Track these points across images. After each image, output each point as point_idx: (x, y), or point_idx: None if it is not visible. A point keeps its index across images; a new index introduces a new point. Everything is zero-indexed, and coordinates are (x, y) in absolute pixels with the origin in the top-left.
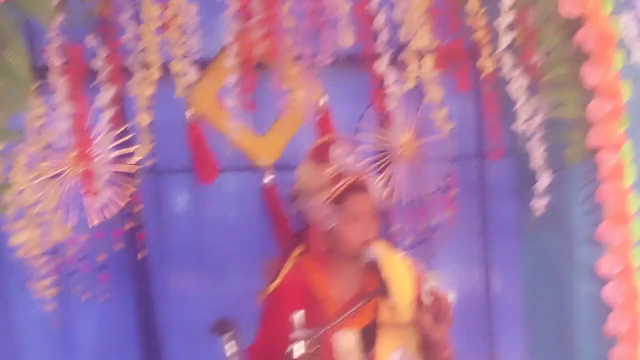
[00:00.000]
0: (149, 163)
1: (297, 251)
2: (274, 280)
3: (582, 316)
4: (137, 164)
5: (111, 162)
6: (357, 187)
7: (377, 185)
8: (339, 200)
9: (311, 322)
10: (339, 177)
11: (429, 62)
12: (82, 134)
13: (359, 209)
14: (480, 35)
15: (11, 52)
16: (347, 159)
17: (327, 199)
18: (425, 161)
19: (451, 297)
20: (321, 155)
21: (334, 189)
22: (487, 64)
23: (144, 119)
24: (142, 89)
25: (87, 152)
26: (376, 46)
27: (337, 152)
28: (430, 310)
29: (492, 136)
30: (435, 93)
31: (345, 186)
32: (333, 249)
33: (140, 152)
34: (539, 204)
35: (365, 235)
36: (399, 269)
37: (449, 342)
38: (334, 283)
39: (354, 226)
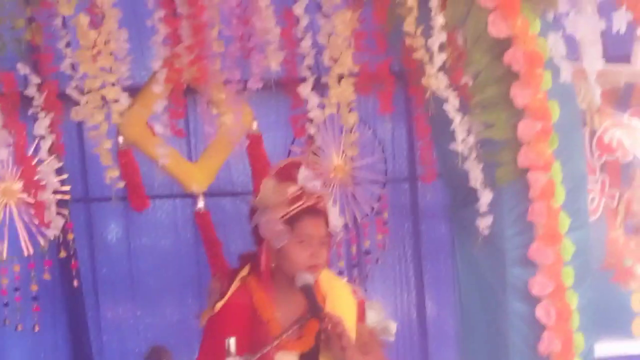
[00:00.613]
0: (120, 185)
1: (244, 271)
2: (218, 301)
3: (516, 335)
4: (68, 192)
5: (49, 189)
6: (314, 211)
7: (333, 211)
8: (293, 220)
9: (255, 342)
10: (298, 198)
11: (348, 85)
12: (24, 162)
13: (310, 232)
14: (419, 54)
15: None
16: (312, 182)
17: (282, 217)
18: (356, 184)
19: (392, 327)
20: (286, 174)
21: (290, 208)
22: (433, 82)
23: (105, 143)
24: (93, 114)
25: (25, 179)
26: (300, 70)
27: (304, 173)
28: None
29: (424, 158)
30: (349, 117)
31: (301, 207)
32: (279, 268)
33: (108, 176)
34: (484, 223)
35: (312, 260)
36: (341, 295)
37: None
38: (279, 304)
39: (302, 249)
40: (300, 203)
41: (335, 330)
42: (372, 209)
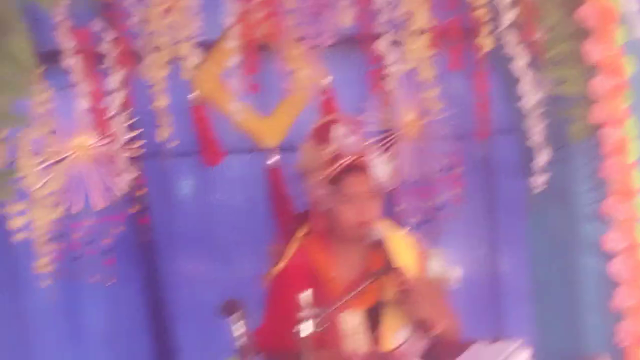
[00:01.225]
0: (172, 143)
1: (302, 232)
2: (278, 262)
3: (588, 292)
4: (141, 147)
5: (121, 145)
6: (355, 168)
7: (379, 165)
8: (335, 181)
9: (316, 302)
10: (336, 158)
11: (424, 41)
12: (97, 116)
13: (354, 190)
14: (480, 13)
15: (14, 38)
16: (347, 139)
17: (324, 179)
18: (429, 140)
19: (456, 274)
20: (322, 134)
21: (329, 169)
22: (485, 42)
23: (161, 101)
24: (156, 71)
25: (98, 134)
26: (375, 26)
27: (337, 132)
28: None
29: (480, 115)
30: (427, 72)
31: (341, 167)
32: (333, 229)
33: (160, 134)
34: (539, 181)
35: (361, 216)
36: (402, 247)
37: (441, 318)
38: (338, 263)
39: (349, 207)
40: (339, 163)
41: (406, 284)
42: (446, 164)
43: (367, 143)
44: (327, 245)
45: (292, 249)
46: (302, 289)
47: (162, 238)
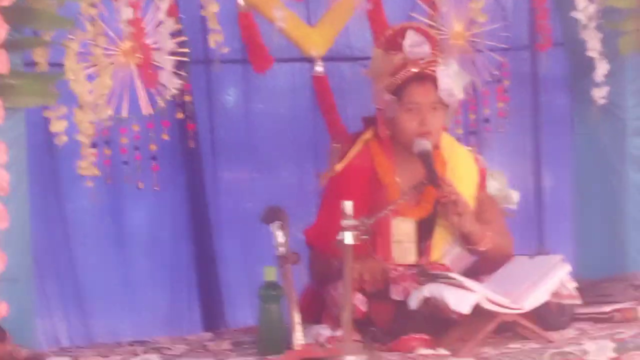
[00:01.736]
0: (221, 50)
1: (367, 134)
2: (340, 161)
3: (633, 206)
4: (188, 53)
5: (166, 51)
6: (421, 78)
7: (447, 77)
8: (399, 89)
9: (374, 206)
10: (403, 65)
11: None
12: (139, 22)
13: (418, 99)
14: None
15: None
16: (419, 47)
17: (390, 86)
18: (477, 51)
19: (514, 196)
20: (394, 41)
21: (395, 77)
22: None
23: (211, 7)
24: None
25: (144, 40)
26: None
27: (412, 38)
28: (453, 206)
29: (540, 26)
30: None
31: (405, 76)
32: (394, 136)
33: (212, 40)
34: (599, 93)
35: (421, 127)
36: (462, 162)
37: (490, 235)
38: (400, 169)
39: (411, 117)
40: (405, 71)
41: (451, 196)
42: (493, 76)
43: (438, 53)
44: (390, 150)
45: (355, 149)
46: (360, 190)
47: (207, 145)
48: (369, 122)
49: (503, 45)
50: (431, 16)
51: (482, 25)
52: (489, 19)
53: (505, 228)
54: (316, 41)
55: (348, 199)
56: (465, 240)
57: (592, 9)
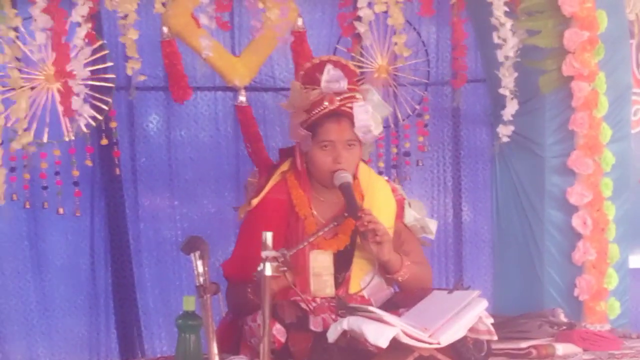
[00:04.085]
0: (141, 78)
1: (284, 166)
2: (256, 195)
3: (550, 243)
4: (111, 79)
5: (87, 77)
6: (336, 116)
7: (364, 113)
8: (315, 126)
9: (291, 239)
10: (320, 102)
11: None
12: (60, 48)
13: (331, 138)
14: None
15: None
16: (337, 82)
17: (304, 122)
18: (399, 85)
19: (432, 226)
20: (312, 76)
21: (311, 113)
22: None
23: (131, 34)
24: (127, 3)
25: (65, 66)
26: None
27: (330, 74)
28: (373, 234)
29: (456, 63)
30: (398, 18)
31: (320, 113)
32: (310, 170)
33: (129, 67)
34: (505, 131)
35: (335, 165)
36: (380, 193)
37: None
38: (317, 202)
39: (325, 153)
40: (321, 108)
41: (370, 225)
42: (414, 110)
43: (355, 89)
44: (307, 183)
45: (272, 182)
46: (277, 223)
47: (128, 171)
48: (286, 153)
49: (424, 80)
50: (355, 49)
51: (404, 60)
52: (413, 53)
53: (424, 258)
54: (240, 71)
55: (265, 231)
56: (384, 269)
57: (510, 47)
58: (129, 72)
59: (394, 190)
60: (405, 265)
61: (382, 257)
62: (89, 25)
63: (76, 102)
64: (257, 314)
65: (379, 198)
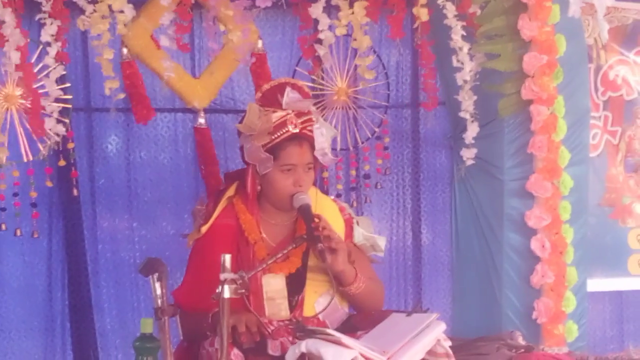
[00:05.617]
0: (120, 96)
1: (231, 191)
2: (205, 222)
3: (509, 266)
4: (70, 101)
5: (49, 98)
6: (298, 139)
7: (323, 136)
8: (275, 149)
9: (241, 264)
10: (282, 125)
11: (360, 8)
12: (25, 67)
13: (294, 160)
14: None
15: None
16: (299, 103)
17: (265, 145)
18: (359, 108)
19: (381, 243)
20: (272, 98)
21: (273, 137)
22: (422, 12)
23: (107, 53)
24: (99, 24)
25: (32, 86)
26: None
27: (290, 96)
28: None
29: (426, 85)
30: (362, 41)
31: (284, 136)
32: (266, 193)
33: (107, 87)
34: (468, 154)
35: (295, 187)
36: (329, 212)
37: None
38: (266, 226)
39: (286, 176)
40: (283, 131)
41: (324, 231)
42: (373, 133)
43: (314, 111)
44: (255, 206)
45: (220, 208)
46: (227, 250)
47: (86, 193)
48: (231, 178)
49: (384, 103)
50: (316, 71)
51: (366, 82)
52: (373, 76)
53: (376, 276)
54: (199, 93)
55: (214, 258)
56: (338, 280)
57: (468, 70)
58: (107, 92)
59: (341, 210)
60: (359, 278)
61: (336, 267)
62: (59, 44)
63: (50, 122)
64: (214, 338)
65: (328, 218)
